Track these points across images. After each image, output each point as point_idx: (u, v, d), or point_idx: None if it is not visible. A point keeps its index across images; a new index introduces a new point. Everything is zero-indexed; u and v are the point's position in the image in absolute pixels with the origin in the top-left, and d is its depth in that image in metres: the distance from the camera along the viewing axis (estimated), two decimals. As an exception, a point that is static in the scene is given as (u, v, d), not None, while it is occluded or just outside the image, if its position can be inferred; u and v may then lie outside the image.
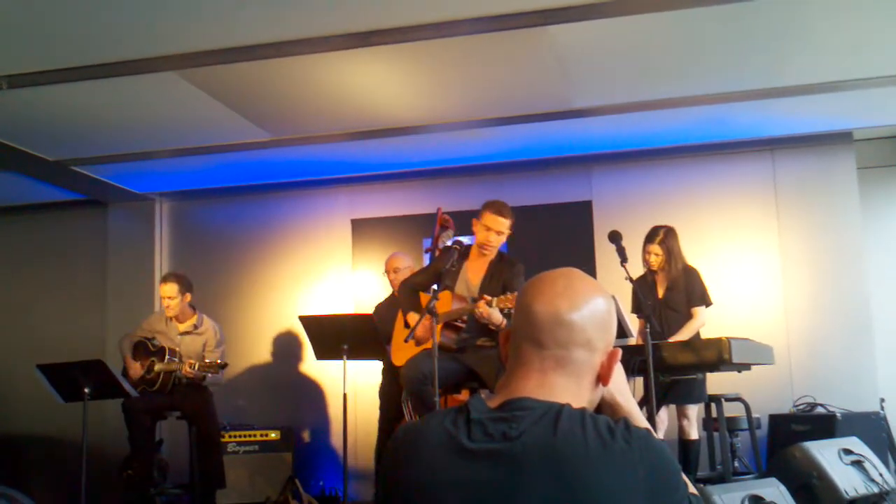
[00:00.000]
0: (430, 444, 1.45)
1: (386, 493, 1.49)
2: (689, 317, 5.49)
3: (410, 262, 6.47)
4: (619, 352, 1.58)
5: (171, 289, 6.09)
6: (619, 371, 1.61)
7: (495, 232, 4.87)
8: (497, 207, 4.89)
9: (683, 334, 5.37)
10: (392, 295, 6.42)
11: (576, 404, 1.45)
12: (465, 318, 4.79)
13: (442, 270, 4.75)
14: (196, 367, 5.79)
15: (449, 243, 5.21)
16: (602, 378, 1.55)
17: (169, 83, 5.11)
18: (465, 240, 5.08)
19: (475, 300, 4.68)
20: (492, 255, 4.99)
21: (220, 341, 6.19)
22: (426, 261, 6.17)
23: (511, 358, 1.56)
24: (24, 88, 5.05)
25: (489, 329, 4.77)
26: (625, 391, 1.64)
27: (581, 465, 1.34)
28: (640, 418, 1.60)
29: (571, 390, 1.49)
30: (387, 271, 6.48)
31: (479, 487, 1.38)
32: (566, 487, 1.33)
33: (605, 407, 1.62)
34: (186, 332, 6.16)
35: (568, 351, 1.50)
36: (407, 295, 5.12)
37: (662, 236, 5.54)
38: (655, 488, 1.37)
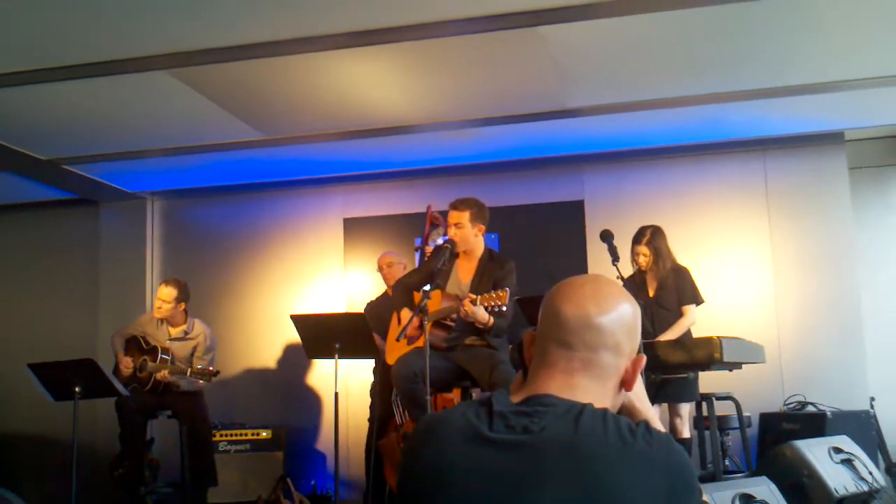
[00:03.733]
0: (450, 431, 1.46)
1: (404, 476, 1.51)
2: (679, 315, 5.50)
3: (403, 259, 6.50)
4: (644, 358, 1.60)
5: (169, 293, 6.06)
6: (639, 377, 1.63)
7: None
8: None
9: (674, 332, 5.38)
10: (385, 293, 6.43)
11: (598, 406, 1.46)
12: (454, 316, 4.79)
13: (435, 270, 4.75)
14: (188, 374, 5.78)
15: (440, 241, 5.21)
16: (626, 383, 1.58)
17: (160, 82, 5.10)
18: None
19: (461, 299, 4.69)
20: (477, 252, 5.00)
21: (209, 347, 6.17)
22: (417, 260, 6.17)
23: (536, 358, 1.57)
24: (15, 87, 5.04)
25: (478, 328, 4.78)
26: (643, 397, 1.67)
27: (600, 462, 1.36)
28: (658, 423, 1.61)
29: (595, 393, 1.51)
30: (380, 267, 6.50)
31: (496, 476, 1.39)
32: (584, 483, 1.34)
33: (624, 411, 1.64)
34: (177, 338, 6.14)
35: (596, 354, 1.52)
36: (401, 294, 5.13)
37: (649, 236, 5.56)
38: (672, 490, 1.38)
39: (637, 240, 5.60)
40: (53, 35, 4.48)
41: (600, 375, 1.53)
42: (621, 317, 1.55)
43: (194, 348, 6.13)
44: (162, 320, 6.16)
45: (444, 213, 6.03)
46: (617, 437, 1.38)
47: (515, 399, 1.51)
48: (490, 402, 1.48)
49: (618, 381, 1.56)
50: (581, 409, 1.43)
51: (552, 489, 1.35)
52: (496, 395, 1.51)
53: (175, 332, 6.17)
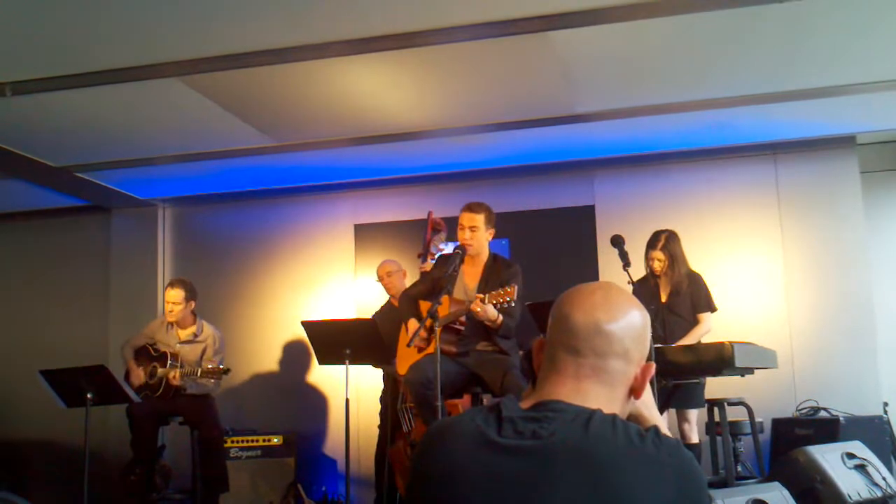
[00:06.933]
0: (459, 437, 1.47)
1: (413, 482, 1.51)
2: (692, 322, 5.48)
3: (402, 266, 6.52)
4: (654, 366, 1.60)
5: (177, 294, 6.09)
6: (647, 386, 1.63)
7: (468, 228, 4.92)
8: (468, 205, 4.97)
9: (689, 340, 5.36)
10: (388, 302, 6.44)
11: (607, 412, 1.47)
12: (464, 320, 4.80)
13: (440, 277, 4.76)
14: (198, 374, 5.79)
15: (444, 247, 5.21)
16: (635, 391, 1.58)
17: (172, 89, 5.12)
18: None
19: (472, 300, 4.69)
20: (483, 257, 5.00)
21: (218, 349, 6.18)
22: (419, 265, 6.13)
23: (545, 365, 1.58)
24: (28, 95, 5.06)
25: (489, 332, 4.78)
26: (651, 405, 1.67)
27: (610, 467, 1.36)
28: (666, 431, 1.61)
29: (605, 399, 1.51)
30: (380, 277, 6.53)
31: (505, 481, 1.39)
32: (593, 487, 1.34)
33: (631, 419, 1.64)
34: (187, 341, 6.15)
35: (605, 360, 1.52)
36: (406, 305, 5.13)
37: (664, 241, 5.53)
38: (682, 495, 1.38)
39: (652, 244, 5.57)
40: (64, 43, 4.50)
41: (609, 382, 1.53)
42: (630, 324, 1.55)
43: (204, 351, 6.14)
44: (172, 323, 6.18)
45: (450, 219, 6.06)
46: (626, 442, 1.38)
47: (524, 405, 1.51)
48: (499, 408, 1.49)
49: (627, 389, 1.57)
50: (590, 415, 1.43)
51: (561, 494, 1.35)
52: (505, 401, 1.51)
53: (185, 334, 6.18)
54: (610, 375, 1.53)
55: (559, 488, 1.35)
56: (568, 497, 1.34)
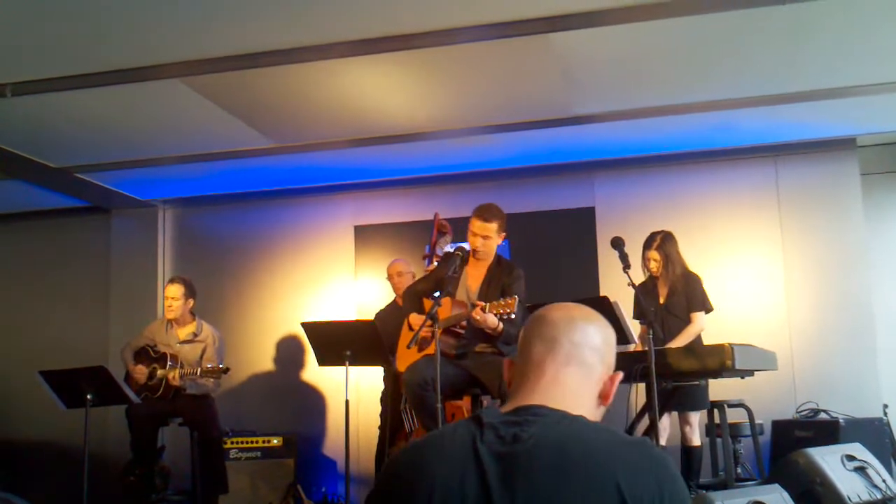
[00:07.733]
0: (445, 447, 1.48)
1: (393, 492, 1.50)
2: (689, 322, 5.48)
3: (412, 267, 6.51)
4: (621, 375, 1.66)
5: (176, 290, 6.11)
6: None
7: (481, 237, 4.88)
8: (481, 212, 4.90)
9: (681, 340, 5.35)
10: (393, 302, 6.44)
11: (587, 409, 1.53)
12: (463, 323, 4.79)
13: (444, 277, 4.75)
14: (198, 374, 5.79)
15: (450, 249, 5.20)
16: (604, 397, 1.63)
17: (173, 90, 5.12)
18: (467, 245, 5.07)
19: (473, 306, 4.69)
20: (488, 259, 4.99)
21: (218, 349, 6.18)
22: (425, 268, 6.16)
23: (521, 364, 1.63)
24: (29, 96, 5.06)
25: (488, 335, 4.77)
26: None
27: (593, 465, 1.38)
28: None
29: (582, 389, 1.57)
30: (389, 276, 6.53)
31: (489, 486, 1.40)
32: (579, 485, 1.36)
33: None
34: (186, 341, 6.15)
35: (580, 349, 1.59)
36: (410, 301, 5.13)
37: (659, 242, 5.54)
38: (662, 498, 1.39)
39: (648, 245, 5.59)
40: (65, 44, 4.50)
41: (585, 371, 1.59)
42: (602, 332, 1.65)
43: (203, 351, 6.14)
44: (171, 322, 6.18)
45: (451, 220, 6.07)
46: (607, 445, 1.42)
47: (504, 409, 1.55)
48: (479, 417, 1.52)
49: (598, 391, 1.62)
50: (573, 419, 1.47)
51: (545, 494, 1.37)
52: (485, 410, 1.55)
53: (184, 334, 6.18)
54: (584, 365, 1.59)
55: (542, 489, 1.37)
56: (552, 496, 1.36)
